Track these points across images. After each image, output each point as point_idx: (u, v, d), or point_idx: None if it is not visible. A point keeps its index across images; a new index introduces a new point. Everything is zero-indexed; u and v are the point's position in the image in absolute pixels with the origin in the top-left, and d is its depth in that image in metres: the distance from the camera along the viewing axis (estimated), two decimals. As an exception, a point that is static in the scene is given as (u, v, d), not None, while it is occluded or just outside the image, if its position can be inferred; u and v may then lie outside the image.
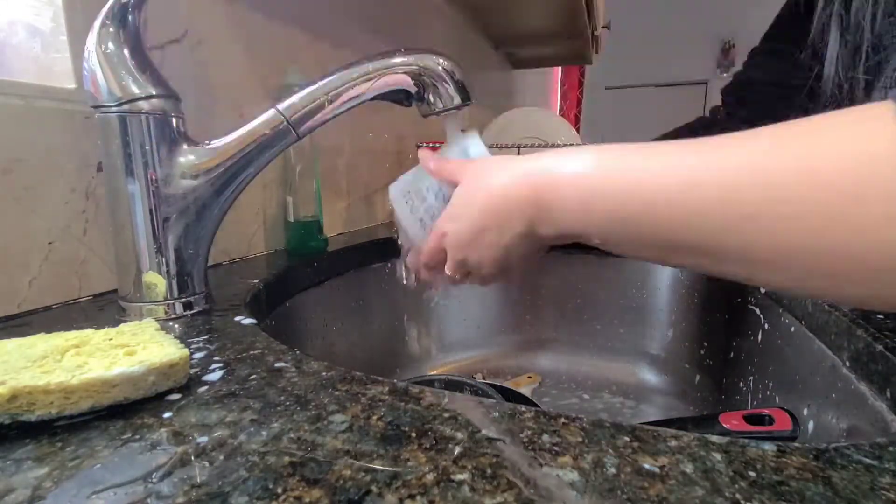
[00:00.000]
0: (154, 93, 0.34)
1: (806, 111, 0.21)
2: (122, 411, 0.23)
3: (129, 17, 0.34)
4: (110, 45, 0.33)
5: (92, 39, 0.33)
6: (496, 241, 0.31)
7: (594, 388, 0.71)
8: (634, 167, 0.25)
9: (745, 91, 0.77)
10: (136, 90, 0.34)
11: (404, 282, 0.48)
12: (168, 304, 0.37)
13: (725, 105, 0.82)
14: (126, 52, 0.34)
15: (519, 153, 0.88)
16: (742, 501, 0.17)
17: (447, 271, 0.36)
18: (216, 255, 0.54)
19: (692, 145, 0.24)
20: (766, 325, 0.52)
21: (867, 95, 0.36)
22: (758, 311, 0.54)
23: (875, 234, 0.18)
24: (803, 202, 0.19)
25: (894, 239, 0.18)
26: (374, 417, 0.22)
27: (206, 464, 0.19)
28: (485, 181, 0.32)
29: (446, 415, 0.22)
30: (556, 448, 0.20)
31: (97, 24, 0.33)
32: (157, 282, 0.36)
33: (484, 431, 0.21)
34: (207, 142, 0.37)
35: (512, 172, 0.31)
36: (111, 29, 0.33)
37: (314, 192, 0.62)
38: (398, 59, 0.40)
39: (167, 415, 0.23)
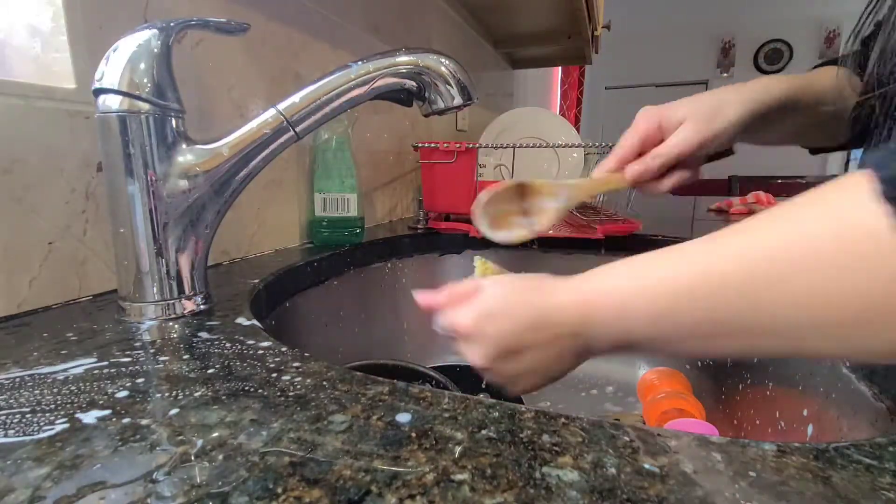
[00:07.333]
0: (159, 97, 0.35)
1: None
2: (123, 410, 0.23)
3: (167, 43, 0.35)
4: (141, 64, 0.34)
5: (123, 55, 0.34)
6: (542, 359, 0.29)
7: (594, 388, 0.71)
8: (662, 267, 0.26)
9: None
10: (141, 93, 0.34)
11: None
12: (168, 304, 0.37)
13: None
14: (151, 64, 0.35)
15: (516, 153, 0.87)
16: (742, 501, 0.17)
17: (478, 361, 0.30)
18: (216, 255, 0.54)
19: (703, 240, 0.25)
20: (766, 325, 0.52)
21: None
22: (758, 311, 0.54)
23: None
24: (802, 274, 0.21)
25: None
26: (374, 417, 0.22)
27: (206, 464, 0.19)
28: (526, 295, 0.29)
29: (446, 415, 0.22)
30: (556, 448, 0.20)
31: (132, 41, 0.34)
32: (157, 282, 0.36)
33: (484, 431, 0.21)
34: (207, 142, 0.37)
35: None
36: (143, 49, 0.34)
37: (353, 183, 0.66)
38: (399, 59, 0.40)
39: (167, 415, 0.23)
